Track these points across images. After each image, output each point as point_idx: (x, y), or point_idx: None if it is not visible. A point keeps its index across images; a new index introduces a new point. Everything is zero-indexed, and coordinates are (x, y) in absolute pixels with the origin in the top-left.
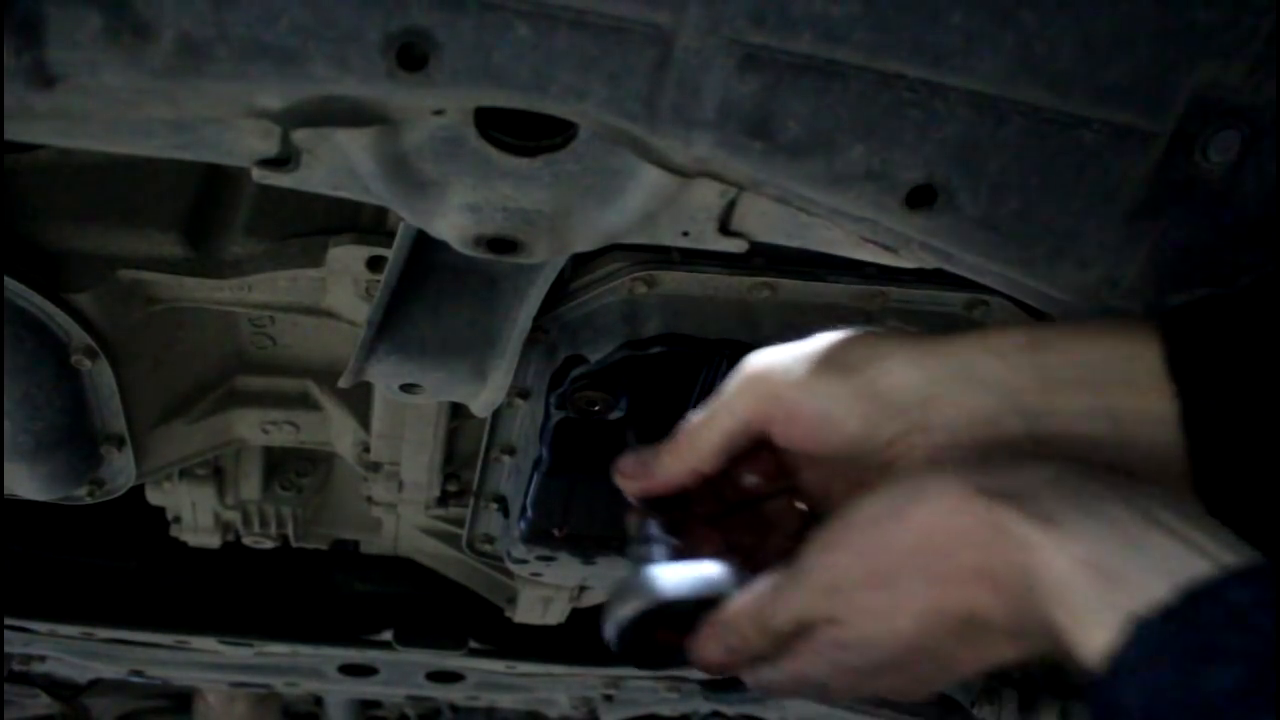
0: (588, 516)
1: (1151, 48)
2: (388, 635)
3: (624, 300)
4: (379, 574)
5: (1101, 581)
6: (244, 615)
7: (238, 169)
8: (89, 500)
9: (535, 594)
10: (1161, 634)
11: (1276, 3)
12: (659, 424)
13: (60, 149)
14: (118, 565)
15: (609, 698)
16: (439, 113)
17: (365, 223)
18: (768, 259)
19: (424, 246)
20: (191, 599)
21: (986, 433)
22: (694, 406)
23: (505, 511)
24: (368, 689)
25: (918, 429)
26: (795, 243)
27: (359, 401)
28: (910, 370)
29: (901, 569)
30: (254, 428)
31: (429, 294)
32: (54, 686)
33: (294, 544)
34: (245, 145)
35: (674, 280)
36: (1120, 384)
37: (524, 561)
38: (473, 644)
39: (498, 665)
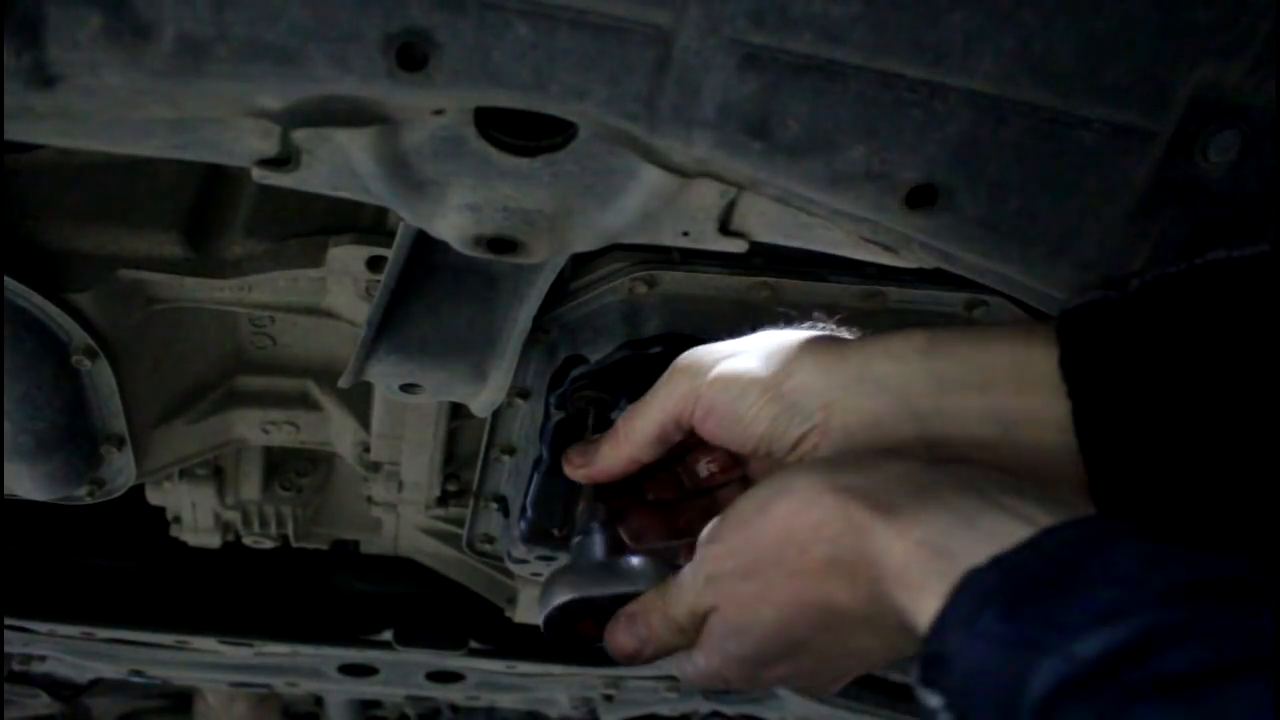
0: None
1: (1151, 48)
2: (388, 635)
3: (624, 300)
4: (379, 574)
5: (935, 558)
6: (244, 615)
7: (238, 169)
8: (89, 500)
9: (535, 594)
10: (979, 591)
11: (1277, 3)
12: None
13: (60, 149)
14: (118, 565)
15: (609, 698)
16: (439, 113)
17: (365, 223)
18: (768, 259)
19: (424, 246)
20: (191, 599)
21: (881, 435)
22: None
23: (505, 511)
24: (368, 689)
25: (818, 431)
26: (795, 243)
27: (359, 401)
28: (815, 375)
29: (764, 561)
30: (254, 428)
31: (429, 294)
32: (54, 686)
33: (294, 544)
34: (245, 145)
35: (674, 280)
36: (1011, 387)
37: (524, 561)
38: (473, 644)
39: (498, 665)
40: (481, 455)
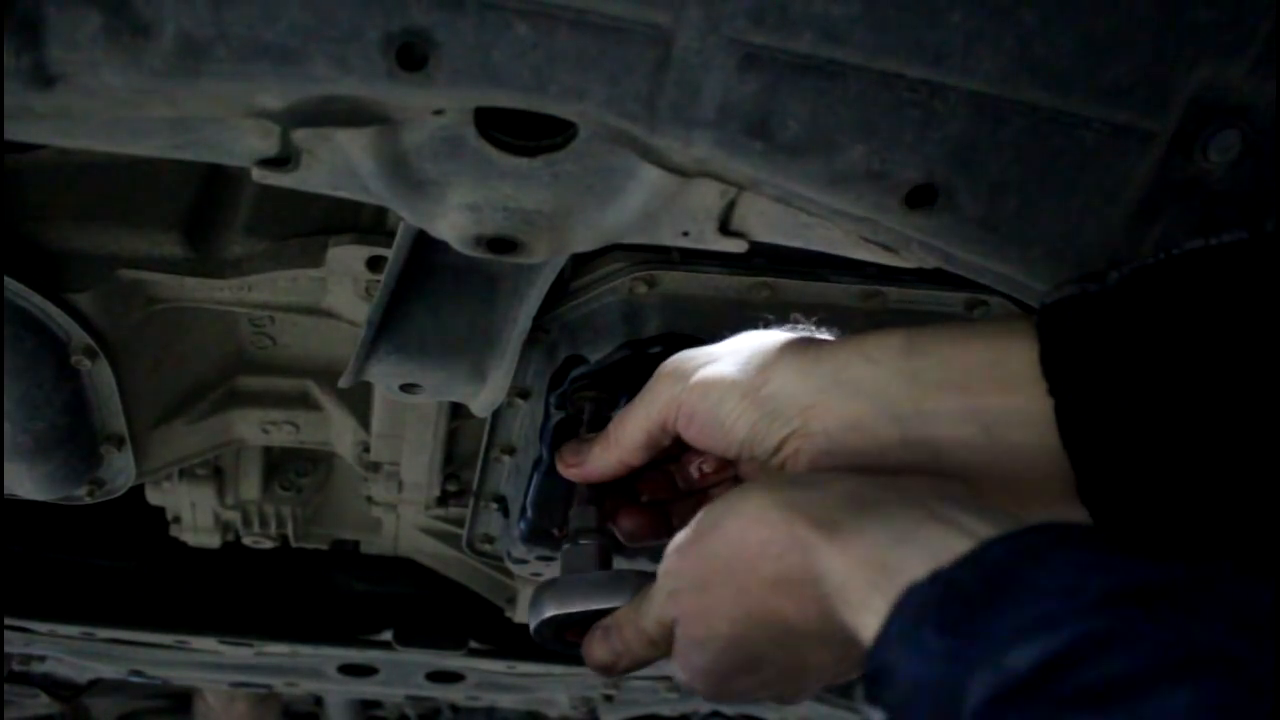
0: None
1: (1151, 47)
2: (388, 635)
3: (624, 300)
4: (379, 574)
5: (875, 574)
6: (244, 615)
7: (238, 169)
8: (89, 500)
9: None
10: (917, 605)
11: (1277, 3)
12: None
13: (60, 149)
14: (118, 565)
15: (609, 698)
16: (439, 112)
17: (365, 223)
18: (768, 259)
19: (424, 246)
20: (191, 599)
21: (862, 438)
22: None
23: (505, 511)
24: (368, 689)
25: (799, 435)
26: (795, 243)
27: (359, 401)
28: (794, 378)
29: (716, 577)
30: (254, 428)
31: (429, 294)
32: (54, 686)
33: (294, 544)
34: (245, 145)
35: (674, 280)
36: (990, 386)
37: (524, 561)
38: (473, 644)
39: (498, 665)
40: (481, 455)
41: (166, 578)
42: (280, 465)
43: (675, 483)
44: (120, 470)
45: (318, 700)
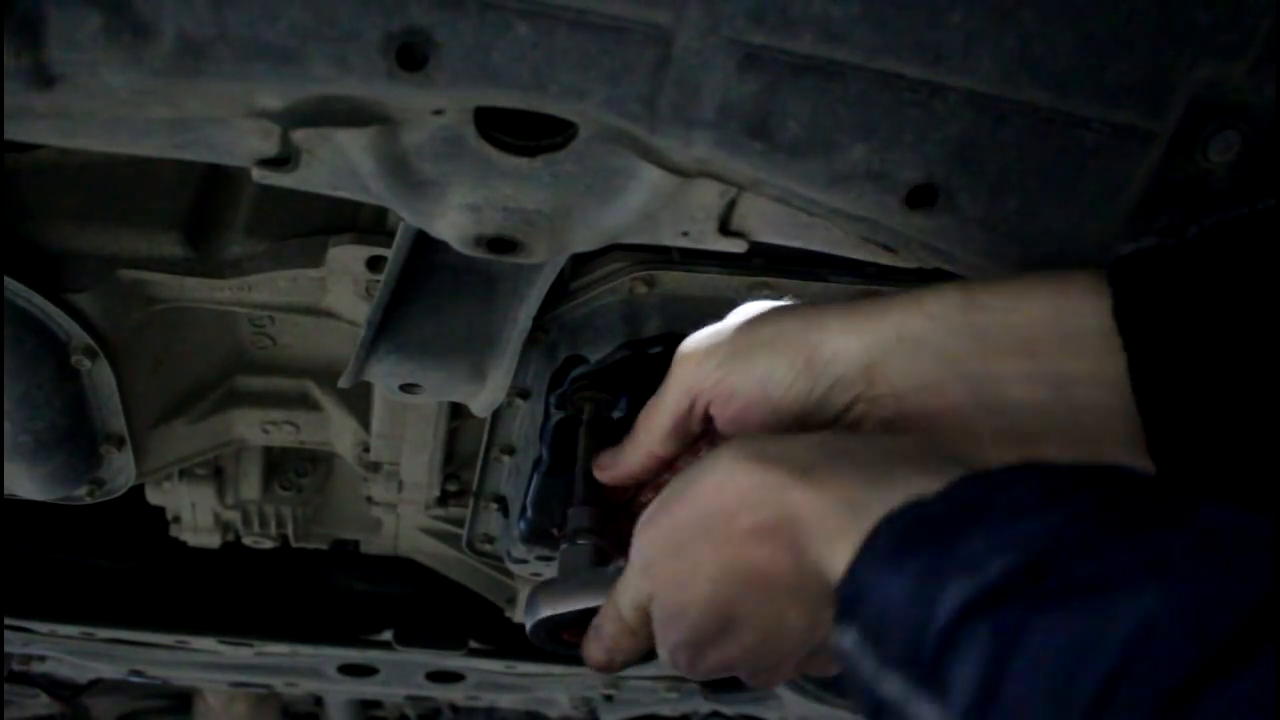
0: None
1: (1151, 48)
2: (388, 635)
3: (624, 300)
4: (379, 574)
5: (849, 512)
6: (244, 615)
7: (238, 169)
8: (89, 500)
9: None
10: (893, 530)
11: (1277, 3)
12: None
13: (60, 149)
14: (118, 565)
15: (609, 698)
16: (439, 113)
17: (365, 223)
18: (768, 259)
19: (424, 246)
20: (191, 599)
21: (932, 399)
22: None
23: (505, 511)
24: (368, 689)
25: (863, 399)
26: (795, 243)
27: (359, 401)
28: (847, 340)
29: (693, 536)
30: (254, 428)
31: (429, 294)
32: (54, 686)
33: (294, 544)
34: (245, 145)
35: (674, 280)
36: (1059, 347)
37: (524, 561)
38: (473, 644)
39: (498, 665)
40: (481, 455)
41: (166, 578)
42: (280, 465)
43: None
44: (120, 470)
45: (318, 700)
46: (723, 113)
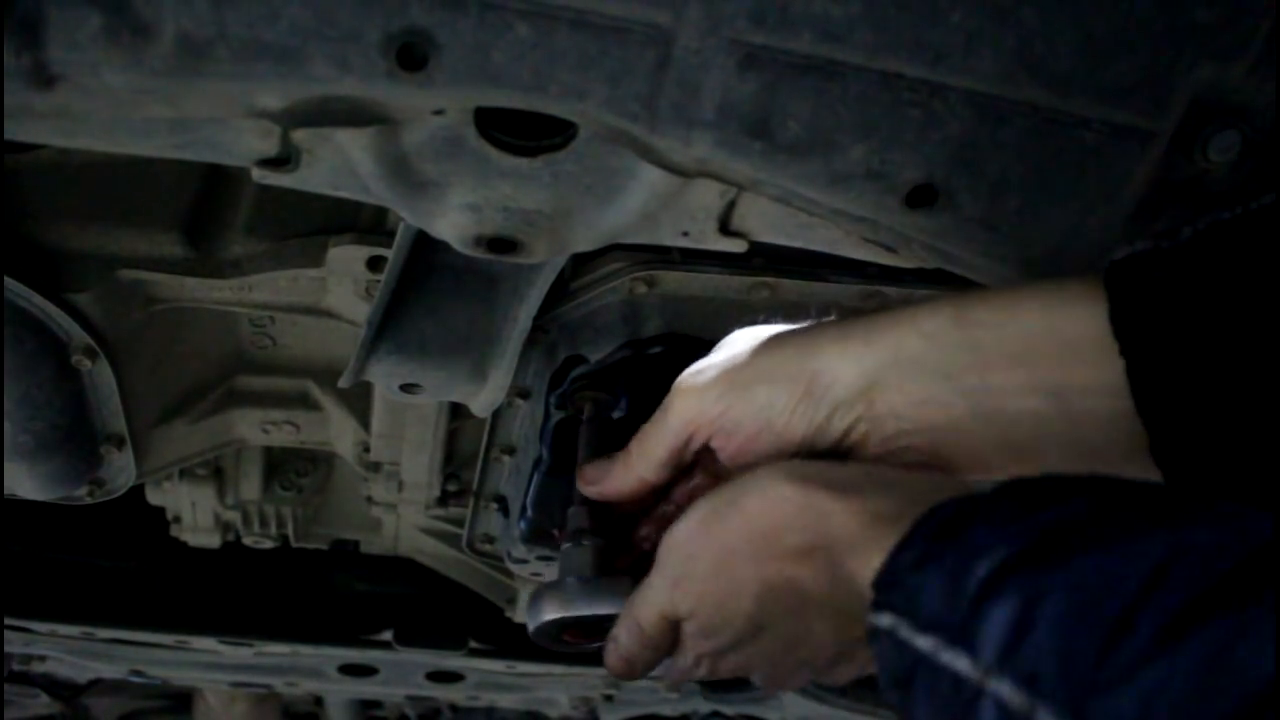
0: None
1: (1151, 48)
2: (388, 635)
3: (624, 300)
4: (379, 574)
5: (882, 526)
6: (244, 615)
7: (238, 169)
8: (89, 500)
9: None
10: (926, 531)
11: (1277, 3)
12: None
13: (60, 149)
14: (118, 565)
15: (609, 698)
16: (439, 113)
17: (365, 223)
18: (768, 259)
19: (424, 246)
20: (191, 599)
21: (932, 415)
22: None
23: (505, 511)
24: (368, 689)
25: (864, 420)
26: (795, 243)
27: (359, 401)
28: (845, 364)
29: (736, 555)
30: (254, 428)
31: (429, 294)
32: (54, 686)
33: (294, 544)
34: (245, 145)
35: (674, 280)
36: (1056, 357)
37: (524, 561)
38: (473, 644)
39: (498, 665)
40: (481, 455)
41: (166, 578)
42: (280, 465)
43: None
44: (120, 470)
45: (318, 700)
46: (723, 113)
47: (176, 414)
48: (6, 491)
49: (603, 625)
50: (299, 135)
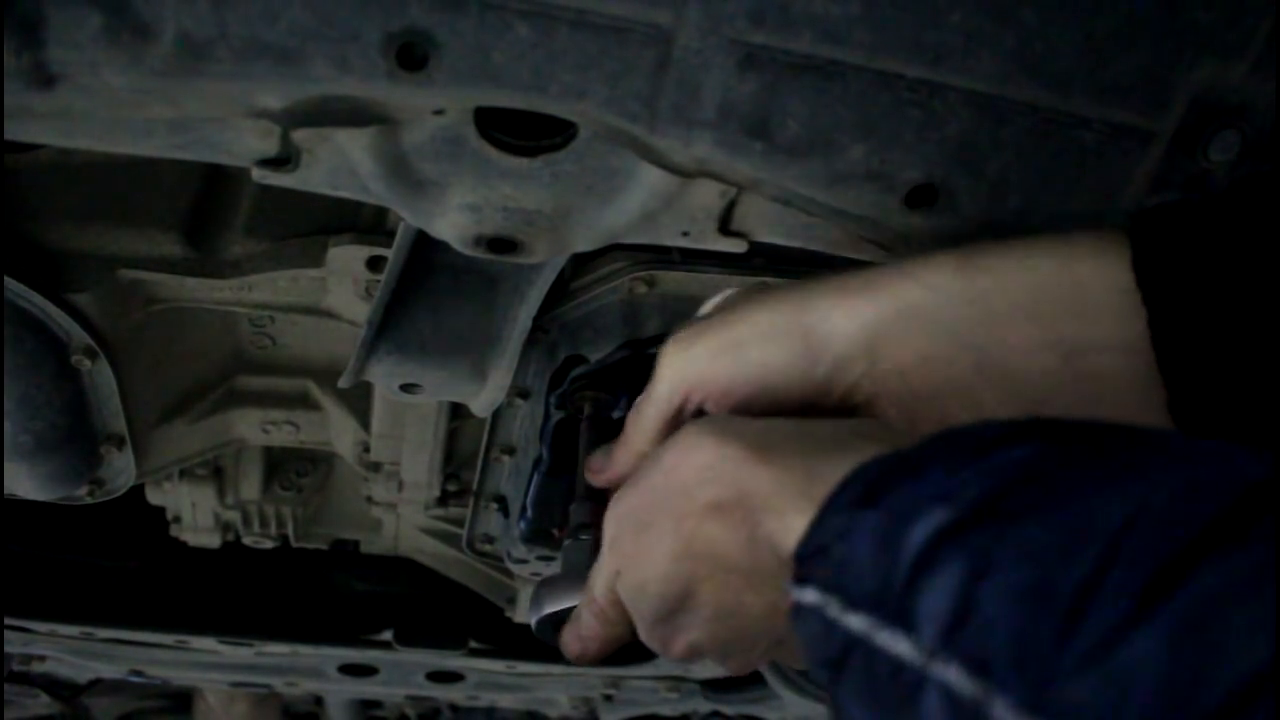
0: None
1: (1151, 47)
2: (388, 635)
3: (624, 300)
4: (379, 574)
5: (801, 485)
6: (244, 615)
7: (238, 169)
8: (89, 500)
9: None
10: (849, 495)
11: (1277, 3)
12: None
13: (60, 149)
14: (118, 565)
15: (609, 698)
16: (439, 113)
17: (365, 223)
18: (768, 259)
19: (424, 246)
20: (191, 599)
21: (937, 371)
22: None
23: (505, 511)
24: (368, 689)
25: (867, 377)
26: (795, 243)
27: (359, 401)
28: (842, 318)
29: (656, 511)
30: (254, 428)
31: (429, 294)
32: (54, 686)
33: (294, 544)
34: (245, 145)
35: (674, 280)
36: (1065, 313)
37: (524, 561)
38: (473, 644)
39: (498, 665)
40: (481, 455)
41: (166, 578)
42: (280, 465)
43: None
44: (120, 470)
45: (318, 700)
46: (723, 113)
47: (176, 414)
48: (6, 491)
49: None
50: (299, 135)
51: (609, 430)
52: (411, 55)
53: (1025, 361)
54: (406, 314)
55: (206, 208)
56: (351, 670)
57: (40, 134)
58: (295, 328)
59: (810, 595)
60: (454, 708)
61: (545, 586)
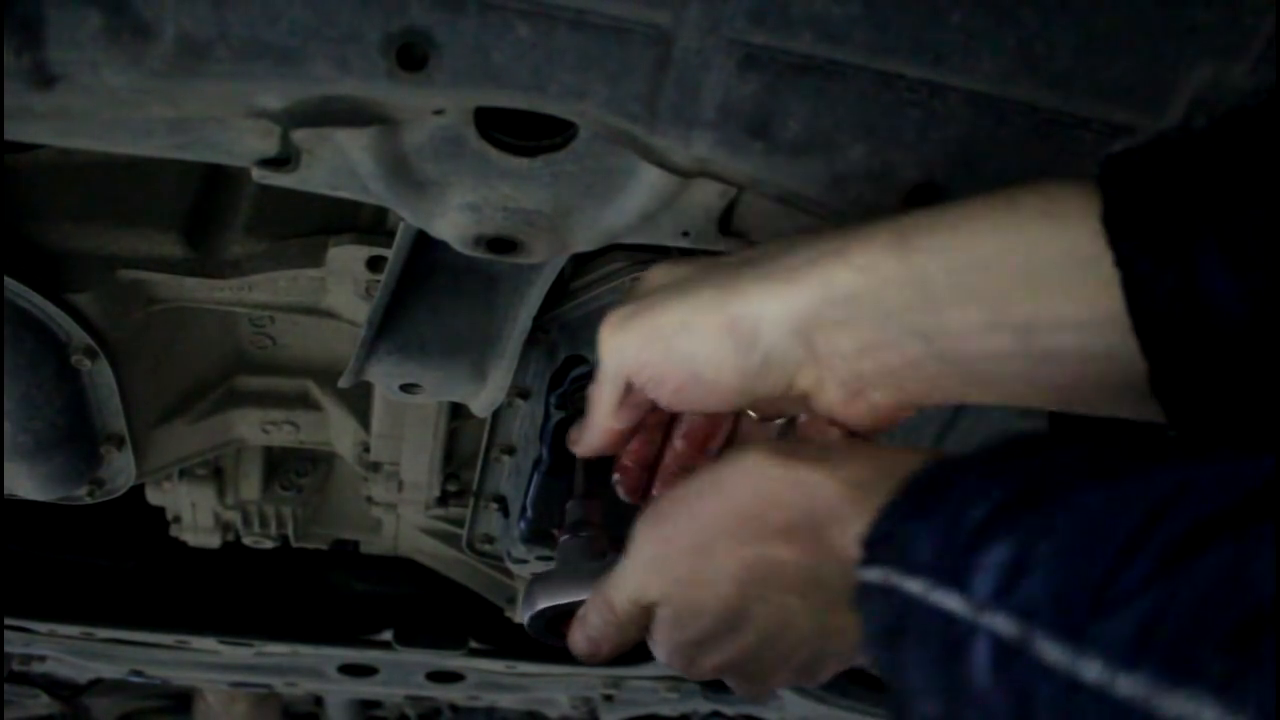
0: None
1: (1151, 47)
2: (388, 635)
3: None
4: (379, 574)
5: (867, 493)
6: (244, 615)
7: (238, 169)
8: (89, 500)
9: None
10: (913, 489)
11: (1277, 3)
12: None
13: (60, 149)
14: (118, 565)
15: (609, 698)
16: (439, 113)
17: (365, 223)
18: None
19: (424, 246)
20: (191, 599)
21: (887, 357)
22: None
23: (505, 511)
24: (368, 689)
25: (809, 365)
26: None
27: (359, 401)
28: (768, 305)
29: (720, 535)
30: (254, 428)
31: (429, 294)
32: (54, 686)
33: (294, 544)
34: (245, 145)
35: None
36: (1016, 288)
37: (524, 561)
38: (473, 644)
39: (498, 665)
40: (481, 455)
41: (166, 578)
42: (280, 465)
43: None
44: (120, 470)
45: (318, 700)
46: (723, 113)
47: (176, 414)
48: (6, 491)
49: None
50: (299, 135)
51: None
52: (411, 55)
53: (979, 344)
54: (406, 314)
55: (206, 208)
56: (351, 670)
57: (40, 134)
58: (295, 328)
59: (874, 573)
60: (454, 708)
61: (539, 582)
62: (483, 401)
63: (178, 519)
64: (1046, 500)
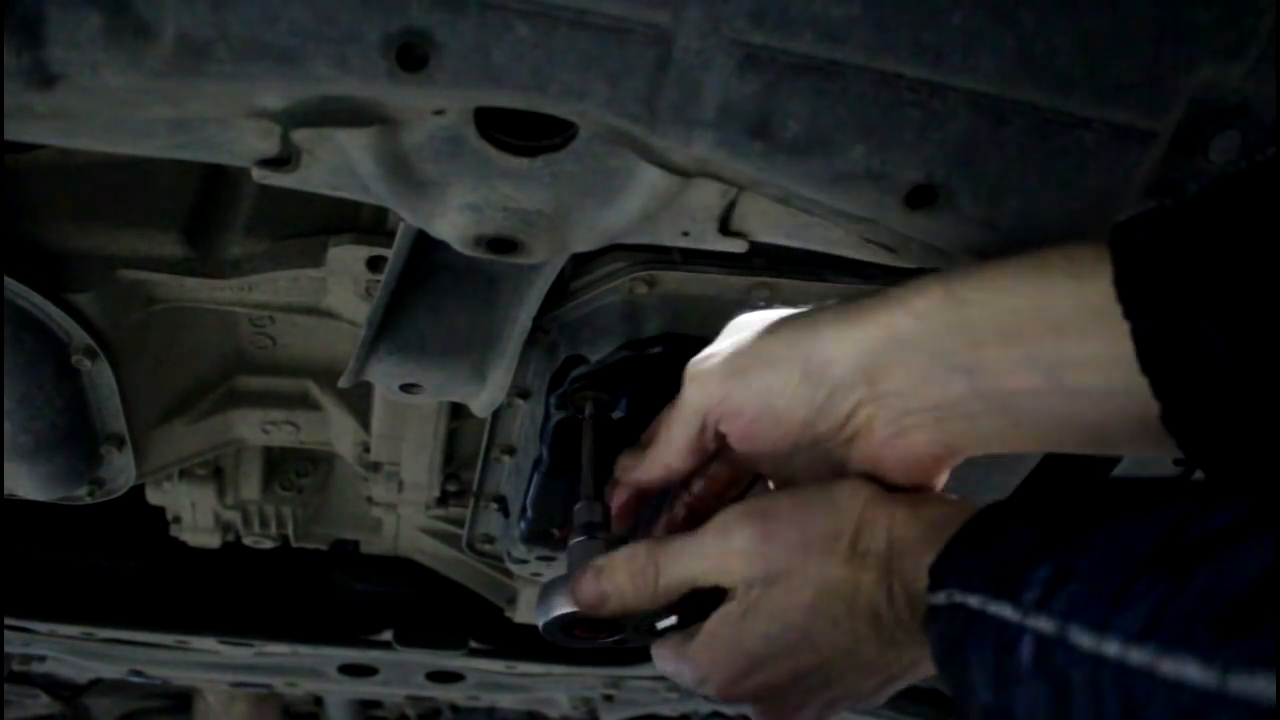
0: None
1: (1151, 48)
2: (388, 635)
3: (624, 300)
4: (379, 574)
5: (934, 532)
6: (244, 615)
7: (238, 169)
8: (89, 500)
9: (535, 594)
10: (974, 529)
11: (1277, 3)
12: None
13: (60, 149)
14: (118, 565)
15: (609, 698)
16: (439, 113)
17: (365, 223)
18: (768, 259)
19: (424, 246)
20: (191, 599)
21: (934, 394)
22: None
23: (505, 511)
24: (368, 689)
25: (869, 401)
26: (795, 243)
27: (359, 401)
28: (840, 345)
29: (820, 545)
30: (254, 428)
31: (429, 294)
32: (54, 686)
33: (294, 544)
34: (245, 145)
35: (674, 280)
36: (1042, 330)
37: (524, 561)
38: (473, 644)
39: (498, 665)
40: (481, 455)
41: (166, 578)
42: (280, 465)
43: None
44: (120, 470)
45: (318, 700)
46: (723, 113)
47: (176, 414)
48: (6, 491)
49: (616, 620)
50: (299, 135)
51: (609, 432)
52: (411, 55)
53: (1014, 381)
54: (406, 314)
55: (206, 208)
56: (351, 670)
57: (40, 134)
58: (295, 328)
59: (940, 596)
60: (454, 708)
61: (554, 587)
62: (483, 401)
63: (178, 519)
64: (1081, 530)
